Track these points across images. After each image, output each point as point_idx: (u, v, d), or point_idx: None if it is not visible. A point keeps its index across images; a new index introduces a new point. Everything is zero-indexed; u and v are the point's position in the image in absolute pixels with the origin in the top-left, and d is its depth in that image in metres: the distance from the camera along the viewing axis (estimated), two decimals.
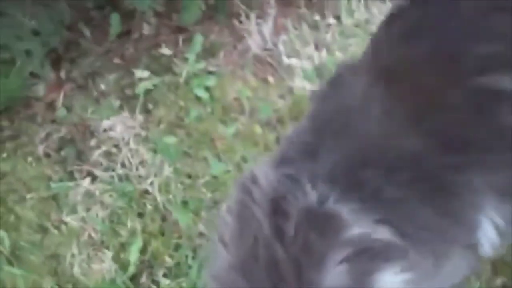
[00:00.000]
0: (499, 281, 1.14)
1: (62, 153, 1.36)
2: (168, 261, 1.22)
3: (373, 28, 1.62)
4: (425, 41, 0.81)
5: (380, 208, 0.76)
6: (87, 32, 1.52)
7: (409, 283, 0.77)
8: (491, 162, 0.79)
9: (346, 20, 1.64)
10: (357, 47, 1.61)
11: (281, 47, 1.56)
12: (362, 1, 1.64)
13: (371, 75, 0.83)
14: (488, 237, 0.82)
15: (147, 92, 1.46)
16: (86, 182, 1.32)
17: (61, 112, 1.43)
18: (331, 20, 1.68)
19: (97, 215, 1.26)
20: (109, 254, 1.21)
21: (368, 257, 0.75)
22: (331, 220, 0.76)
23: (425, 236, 0.79)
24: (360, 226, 0.75)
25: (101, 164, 1.35)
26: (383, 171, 0.77)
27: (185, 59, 1.52)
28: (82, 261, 1.21)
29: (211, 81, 1.47)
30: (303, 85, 1.50)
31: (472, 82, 0.77)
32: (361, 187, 0.77)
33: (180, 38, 1.55)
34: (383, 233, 0.75)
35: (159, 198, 1.30)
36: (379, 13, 1.69)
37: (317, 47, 1.61)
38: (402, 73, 0.81)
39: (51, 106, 1.46)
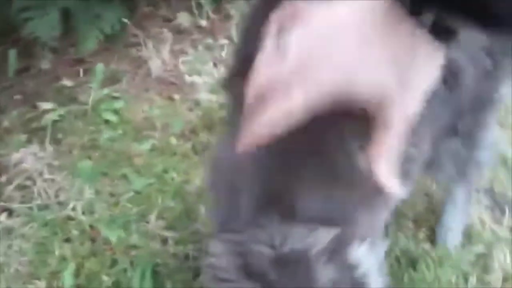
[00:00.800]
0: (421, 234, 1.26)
1: None
2: (106, 279, 1.19)
3: None
4: None
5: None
6: None
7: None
8: None
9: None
10: None
11: (181, 67, 1.64)
12: None
13: None
14: None
15: (54, 123, 1.43)
16: (3, 217, 1.24)
17: None
18: (224, 41, 1.80)
19: (20, 248, 1.20)
20: (41, 284, 1.14)
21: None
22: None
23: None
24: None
25: (16, 198, 1.29)
26: None
27: (88, 88, 1.52)
28: None
29: (118, 104, 1.48)
30: (209, 98, 1.58)
31: None
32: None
33: (81, 70, 1.57)
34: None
35: (85, 220, 1.27)
36: None
37: (215, 65, 1.71)
38: None
39: None
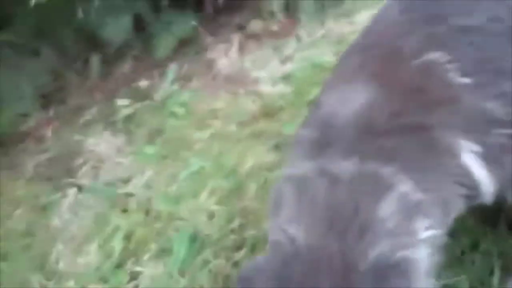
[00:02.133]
0: None
1: (51, 171, 1.44)
2: (152, 246, 1.22)
3: (329, 42, 1.76)
4: None
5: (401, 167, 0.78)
6: (71, 74, 1.63)
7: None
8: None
9: (305, 38, 1.76)
10: (314, 56, 1.70)
11: (247, 64, 1.70)
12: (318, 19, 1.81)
13: None
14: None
15: (128, 116, 1.55)
16: (73, 192, 1.37)
17: (49, 143, 1.53)
18: (292, 43, 1.81)
19: (80, 216, 1.29)
20: (92, 246, 1.21)
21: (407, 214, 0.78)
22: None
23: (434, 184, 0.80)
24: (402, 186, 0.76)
25: (86, 177, 1.41)
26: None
27: (160, 87, 1.63)
28: (66, 255, 1.21)
29: (186, 97, 1.57)
30: (270, 89, 1.59)
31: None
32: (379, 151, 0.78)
33: (156, 72, 1.70)
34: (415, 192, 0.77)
35: (142, 195, 1.33)
36: (335, 27, 1.85)
37: (281, 62, 1.74)
38: None
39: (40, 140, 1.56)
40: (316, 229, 0.73)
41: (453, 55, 0.83)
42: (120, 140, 1.48)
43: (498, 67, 0.84)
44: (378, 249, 0.70)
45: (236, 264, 1.16)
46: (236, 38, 1.73)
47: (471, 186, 0.83)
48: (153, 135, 1.48)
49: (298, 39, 1.75)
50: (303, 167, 0.79)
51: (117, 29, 1.49)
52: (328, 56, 1.72)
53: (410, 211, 0.75)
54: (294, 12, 1.86)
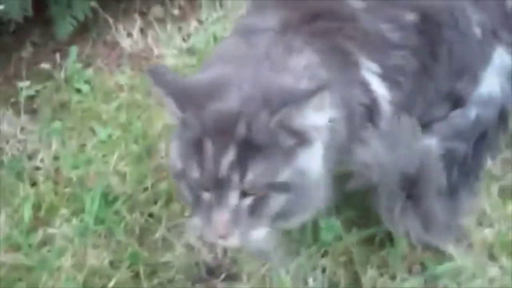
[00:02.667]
0: None
1: None
2: (64, 211, 1.18)
3: (229, 21, 1.79)
4: None
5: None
6: None
7: None
8: None
9: (207, 21, 1.83)
10: (215, 32, 1.73)
11: (151, 42, 1.72)
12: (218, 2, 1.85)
13: None
14: None
15: (30, 97, 1.51)
16: None
17: None
18: (194, 23, 1.87)
19: None
20: (1, 217, 1.15)
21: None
22: None
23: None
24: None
25: None
26: None
27: (63, 68, 1.60)
28: None
29: (89, 74, 1.54)
30: (175, 62, 1.62)
31: None
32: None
33: (58, 55, 1.65)
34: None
35: (50, 167, 1.30)
36: (233, 8, 1.92)
37: (183, 40, 1.77)
38: None
39: None
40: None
41: None
42: (23, 119, 1.43)
43: None
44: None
45: (151, 215, 1.17)
46: (138, 20, 1.76)
47: (371, 99, 0.93)
48: (58, 111, 1.45)
49: (199, 21, 1.82)
50: None
51: (15, 6, 1.45)
52: (229, 31, 1.79)
53: (315, 76, 0.85)
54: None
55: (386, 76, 0.94)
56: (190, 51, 1.65)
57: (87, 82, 1.54)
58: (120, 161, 1.29)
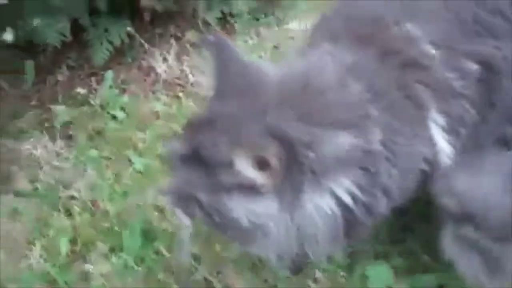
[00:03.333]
0: None
1: None
2: (101, 245, 1.16)
3: (264, 49, 1.78)
4: None
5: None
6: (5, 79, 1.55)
7: None
8: None
9: (241, 46, 1.79)
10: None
11: (186, 69, 1.70)
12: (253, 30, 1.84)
13: None
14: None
15: (66, 123, 1.48)
16: (10, 197, 1.28)
17: None
18: None
19: (20, 222, 1.20)
20: (36, 249, 1.12)
21: None
22: None
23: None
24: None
25: (24, 182, 1.32)
26: None
27: (98, 94, 1.58)
28: (9, 262, 1.12)
29: (125, 101, 1.53)
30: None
31: None
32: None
33: (94, 79, 1.64)
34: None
35: (86, 197, 1.27)
36: (266, 37, 1.90)
37: None
38: None
39: None
40: None
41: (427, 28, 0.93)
42: (59, 145, 1.41)
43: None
44: None
45: (193, 256, 1.14)
46: (173, 45, 1.75)
47: (433, 153, 0.89)
48: (94, 138, 1.43)
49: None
50: None
51: (54, 32, 1.44)
52: (265, 60, 1.77)
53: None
54: (229, 23, 1.91)
55: (449, 129, 0.92)
56: None
57: (122, 108, 1.53)
58: (157, 193, 1.27)
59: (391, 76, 0.88)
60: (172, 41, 1.76)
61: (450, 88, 0.91)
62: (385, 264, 1.03)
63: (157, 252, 1.11)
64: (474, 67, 0.92)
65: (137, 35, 1.71)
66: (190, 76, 1.65)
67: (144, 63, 1.72)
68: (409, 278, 1.02)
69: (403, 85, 0.90)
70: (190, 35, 1.88)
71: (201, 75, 1.66)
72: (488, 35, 0.97)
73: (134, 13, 1.72)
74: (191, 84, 1.63)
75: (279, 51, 1.81)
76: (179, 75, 1.67)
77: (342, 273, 1.04)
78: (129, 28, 1.65)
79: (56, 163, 1.36)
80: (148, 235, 1.13)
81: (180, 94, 1.60)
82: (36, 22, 1.38)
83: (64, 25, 1.46)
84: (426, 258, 1.04)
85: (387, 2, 0.99)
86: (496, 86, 0.96)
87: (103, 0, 1.57)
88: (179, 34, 1.89)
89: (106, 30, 1.65)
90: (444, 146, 0.89)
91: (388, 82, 0.87)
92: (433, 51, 0.92)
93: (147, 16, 1.72)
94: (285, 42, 1.79)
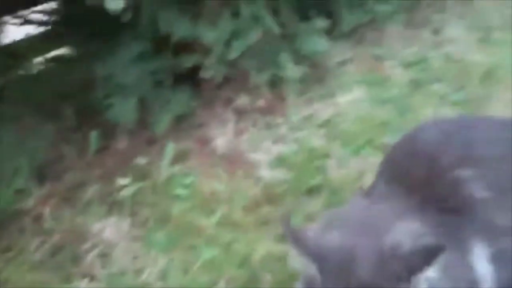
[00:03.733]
0: None
1: (57, 258, 1.37)
2: None
3: (318, 120, 1.87)
4: None
5: None
6: (68, 149, 1.59)
7: None
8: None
9: (293, 117, 1.88)
10: (306, 138, 1.82)
11: (242, 143, 1.76)
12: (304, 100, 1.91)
13: None
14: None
15: (130, 197, 1.52)
16: (84, 283, 1.33)
17: (49, 223, 1.46)
18: (280, 120, 1.91)
19: None
20: None
21: None
22: None
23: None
24: None
25: (97, 266, 1.37)
26: None
27: (159, 165, 1.64)
28: None
29: (188, 180, 1.59)
30: (269, 173, 1.65)
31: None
32: None
33: (154, 148, 1.69)
34: None
35: (157, 286, 1.32)
36: (321, 108, 1.97)
37: (273, 142, 1.81)
38: None
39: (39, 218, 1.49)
40: None
41: (479, 173, 1.04)
42: (126, 223, 1.46)
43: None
44: None
45: None
46: (230, 114, 1.80)
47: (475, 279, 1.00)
48: (160, 220, 1.48)
49: (287, 118, 1.86)
50: None
51: (123, 111, 1.47)
52: (316, 139, 1.83)
53: None
54: (279, 89, 1.96)
55: (494, 259, 1.02)
56: (281, 161, 1.69)
57: (185, 187, 1.58)
58: (227, 287, 1.33)
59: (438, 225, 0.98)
60: (227, 108, 1.82)
61: (496, 226, 1.02)
62: None
63: None
64: None
65: (196, 104, 1.74)
66: (246, 154, 1.72)
67: (201, 132, 1.78)
68: None
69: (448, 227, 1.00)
70: (242, 99, 1.93)
71: (257, 152, 1.74)
72: None
73: (194, 83, 1.78)
74: (249, 164, 1.70)
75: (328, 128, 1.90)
76: (236, 150, 1.74)
77: None
78: (192, 103, 1.70)
79: (125, 244, 1.42)
80: None
81: (239, 173, 1.67)
82: (108, 102, 1.42)
83: (133, 105, 1.50)
84: None
85: (447, 142, 1.09)
86: None
87: (167, 74, 1.63)
88: (231, 97, 1.94)
89: (168, 101, 1.70)
90: (485, 273, 1.00)
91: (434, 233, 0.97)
92: (483, 193, 1.03)
93: (206, 86, 1.78)
94: (335, 119, 1.86)
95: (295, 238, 0.96)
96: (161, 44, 1.65)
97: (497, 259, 1.02)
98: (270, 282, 1.34)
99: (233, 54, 1.71)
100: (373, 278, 0.90)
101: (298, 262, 0.96)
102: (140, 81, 1.54)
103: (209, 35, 1.65)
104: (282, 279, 1.37)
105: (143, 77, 1.55)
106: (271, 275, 1.36)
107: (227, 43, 1.73)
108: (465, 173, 1.05)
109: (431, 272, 0.92)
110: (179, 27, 1.59)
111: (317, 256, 0.94)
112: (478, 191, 1.04)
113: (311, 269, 0.94)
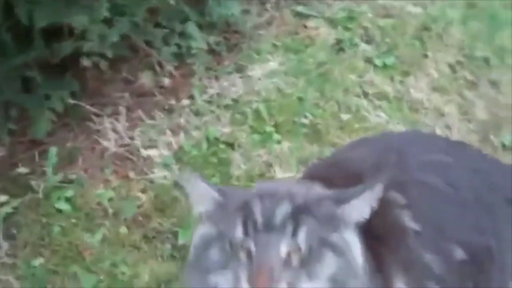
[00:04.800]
0: None
1: None
2: None
3: (225, 100, 1.69)
4: None
5: None
6: None
7: None
8: None
9: (200, 98, 1.72)
10: (211, 124, 1.68)
11: (137, 140, 1.61)
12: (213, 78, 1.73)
13: None
14: None
15: (8, 216, 1.42)
16: None
17: None
18: (185, 102, 1.74)
19: None
20: None
21: None
22: None
23: None
24: None
25: None
26: None
27: (43, 173, 1.49)
28: None
29: (70, 192, 1.44)
30: (163, 175, 1.53)
31: None
32: None
33: (36, 153, 1.52)
34: None
35: None
36: (229, 86, 1.78)
37: (173, 132, 1.66)
38: None
39: None
40: None
41: (409, 201, 0.94)
42: (3, 250, 1.36)
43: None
44: None
45: None
46: (124, 102, 1.61)
47: None
48: (38, 242, 1.38)
49: (192, 99, 1.68)
50: None
51: None
52: (221, 125, 1.66)
53: None
54: (187, 64, 1.75)
55: None
56: (180, 158, 1.55)
57: (68, 200, 1.45)
58: None
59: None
60: (122, 94, 1.64)
61: (424, 267, 0.91)
62: None
63: None
64: (459, 254, 0.93)
65: (82, 99, 1.56)
66: (141, 149, 1.57)
67: (90, 128, 1.61)
68: None
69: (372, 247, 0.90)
70: (144, 79, 1.73)
71: (153, 149, 1.59)
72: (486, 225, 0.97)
73: (77, 73, 1.58)
74: (144, 160, 1.56)
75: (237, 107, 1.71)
76: (129, 147, 1.59)
77: None
78: (71, 100, 1.51)
79: (2, 276, 1.33)
80: None
81: (131, 175, 1.54)
82: None
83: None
84: None
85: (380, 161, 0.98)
86: (480, 274, 0.96)
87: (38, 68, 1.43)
88: (131, 78, 1.74)
89: (47, 97, 1.52)
90: None
91: None
92: (414, 225, 0.92)
93: (94, 74, 1.58)
94: (244, 99, 1.67)
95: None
96: (26, 34, 1.44)
97: None
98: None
99: (114, 35, 1.48)
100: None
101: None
102: (4, 81, 1.37)
103: (81, 17, 1.42)
104: None
105: (7, 76, 1.37)
106: None
107: (109, 22, 1.50)
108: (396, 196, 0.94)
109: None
110: (41, 12, 1.37)
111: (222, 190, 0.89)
112: (408, 220, 0.94)
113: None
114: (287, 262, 0.82)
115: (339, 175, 0.97)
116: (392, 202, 0.93)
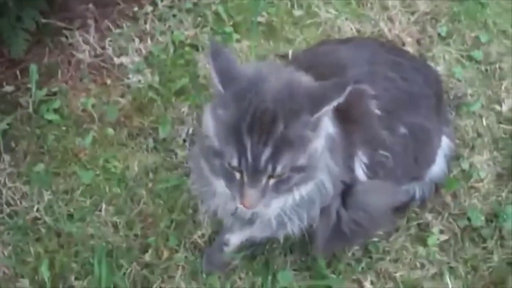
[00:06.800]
0: None
1: None
2: (74, 266, 1.44)
3: (186, 3, 1.81)
4: None
5: None
6: None
7: None
8: None
9: (161, 3, 1.83)
10: (176, 29, 1.80)
11: (109, 50, 1.75)
12: None
13: None
14: None
15: (5, 132, 1.61)
16: None
17: None
18: (149, 8, 1.84)
19: (3, 253, 1.45)
20: (25, 281, 1.41)
21: None
22: None
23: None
24: None
25: None
26: None
27: (28, 89, 1.67)
28: None
29: (57, 103, 1.64)
30: (137, 79, 1.69)
31: None
32: None
33: (18, 71, 1.68)
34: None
35: (48, 219, 1.51)
36: None
37: (141, 39, 1.79)
38: None
39: None
40: None
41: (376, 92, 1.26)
42: (6, 162, 1.55)
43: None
44: None
45: (146, 265, 1.45)
46: (90, 15, 1.73)
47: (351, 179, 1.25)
48: (38, 154, 1.57)
49: (154, 5, 1.80)
50: None
51: None
52: (185, 29, 1.80)
53: None
54: None
55: (370, 167, 1.26)
56: (150, 62, 1.71)
57: (56, 111, 1.63)
58: (108, 207, 1.49)
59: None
60: (92, 22, 1.73)
61: (380, 140, 1.25)
62: None
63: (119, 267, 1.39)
64: (402, 130, 1.29)
65: (53, 17, 1.66)
66: (114, 58, 1.71)
67: (64, 44, 1.74)
68: None
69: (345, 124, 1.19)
70: None
71: (123, 57, 1.72)
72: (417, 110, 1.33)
73: None
74: (118, 67, 1.71)
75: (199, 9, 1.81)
76: (103, 57, 1.72)
77: None
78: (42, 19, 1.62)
79: (10, 184, 1.53)
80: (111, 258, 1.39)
81: (108, 81, 1.70)
82: None
83: None
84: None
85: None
86: (416, 145, 1.32)
87: None
88: None
89: (19, 19, 1.60)
90: (362, 177, 1.25)
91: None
92: (377, 112, 1.25)
93: None
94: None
95: (215, 52, 1.02)
96: None
97: (371, 169, 1.26)
98: (145, 197, 1.53)
99: None
100: (276, 104, 1.01)
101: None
102: None
103: None
104: (156, 192, 1.56)
105: None
106: (144, 189, 1.53)
107: None
108: (368, 89, 1.24)
109: (331, 127, 1.10)
110: None
111: (226, 72, 1.02)
112: (374, 107, 1.26)
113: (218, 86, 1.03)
114: (264, 190, 1.05)
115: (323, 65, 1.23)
116: (365, 93, 1.23)
